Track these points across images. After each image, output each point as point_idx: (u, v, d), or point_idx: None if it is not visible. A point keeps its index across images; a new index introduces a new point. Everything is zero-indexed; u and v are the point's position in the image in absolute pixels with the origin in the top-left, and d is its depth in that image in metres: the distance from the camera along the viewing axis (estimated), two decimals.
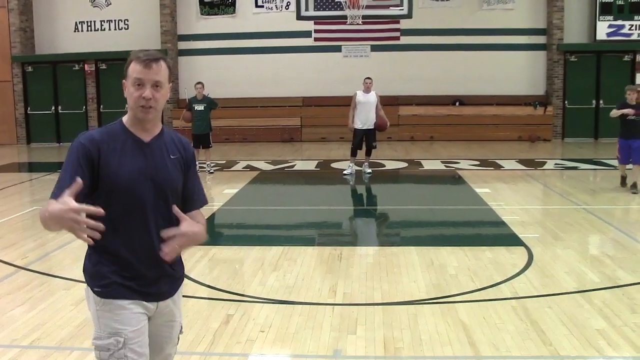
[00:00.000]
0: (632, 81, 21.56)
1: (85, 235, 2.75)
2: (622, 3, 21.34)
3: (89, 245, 3.04)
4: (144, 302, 3.19)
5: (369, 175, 14.82)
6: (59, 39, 23.29)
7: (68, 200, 2.70)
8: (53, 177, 15.52)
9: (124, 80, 3.21)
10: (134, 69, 3.15)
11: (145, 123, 3.21)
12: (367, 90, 14.70)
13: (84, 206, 2.73)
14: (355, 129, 14.74)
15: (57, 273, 7.55)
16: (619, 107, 12.70)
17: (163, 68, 3.20)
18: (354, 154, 14.99)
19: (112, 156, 3.11)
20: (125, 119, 3.25)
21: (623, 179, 12.84)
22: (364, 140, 14.80)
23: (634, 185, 12.34)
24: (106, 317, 3.13)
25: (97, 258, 3.15)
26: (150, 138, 3.23)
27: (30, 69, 23.17)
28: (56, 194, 2.87)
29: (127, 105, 3.25)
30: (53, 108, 23.16)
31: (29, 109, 23.24)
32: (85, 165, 3.05)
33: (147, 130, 3.23)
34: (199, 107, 15.16)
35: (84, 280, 3.22)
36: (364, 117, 14.63)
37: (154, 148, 3.22)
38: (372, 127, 14.70)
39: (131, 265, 3.14)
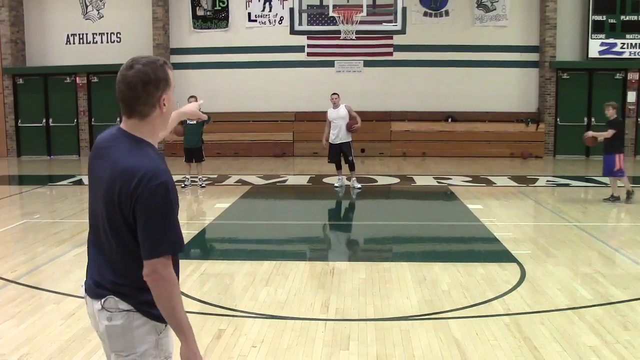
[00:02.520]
0: (624, 99, 21.73)
1: None
2: (614, 21, 21.49)
3: (133, 273, 2.90)
4: None
5: (358, 191, 14.81)
6: (51, 51, 23.25)
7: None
8: (43, 190, 15.50)
9: (164, 95, 2.97)
10: (173, 76, 3.03)
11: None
12: (334, 106, 14.81)
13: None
14: (329, 143, 14.89)
15: (46, 287, 7.49)
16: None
17: None
18: (337, 167, 15.18)
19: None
20: (147, 138, 3.00)
21: (628, 193, 13.10)
22: (340, 154, 14.89)
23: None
24: (165, 342, 3.06)
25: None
26: None
27: (21, 81, 23.11)
28: (176, 248, 2.91)
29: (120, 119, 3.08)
30: (44, 121, 23.08)
31: (19, 121, 23.15)
32: (177, 206, 2.95)
33: None
34: (192, 121, 15.09)
35: (115, 306, 2.96)
36: (336, 131, 14.77)
37: None
38: (347, 141, 14.80)
39: None
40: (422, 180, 16.69)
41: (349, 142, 14.85)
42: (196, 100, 15.17)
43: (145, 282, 2.87)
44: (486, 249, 9.93)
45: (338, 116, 14.73)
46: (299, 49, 22.36)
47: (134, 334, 2.95)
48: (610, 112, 13.22)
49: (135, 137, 2.95)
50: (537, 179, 16.97)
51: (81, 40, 23.16)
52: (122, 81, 2.92)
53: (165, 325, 3.01)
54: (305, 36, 21.52)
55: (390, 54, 22.40)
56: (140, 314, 2.95)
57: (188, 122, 15.05)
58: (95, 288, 2.99)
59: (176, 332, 2.91)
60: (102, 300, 2.94)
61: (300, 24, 16.01)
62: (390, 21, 16.39)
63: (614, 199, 13.23)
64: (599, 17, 21.53)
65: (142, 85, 2.90)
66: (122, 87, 2.92)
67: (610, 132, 12.91)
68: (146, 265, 2.82)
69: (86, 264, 3.11)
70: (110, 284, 2.94)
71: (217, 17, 22.78)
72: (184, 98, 16.16)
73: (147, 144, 2.96)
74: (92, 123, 22.80)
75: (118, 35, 23.02)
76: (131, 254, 2.89)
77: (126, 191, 2.80)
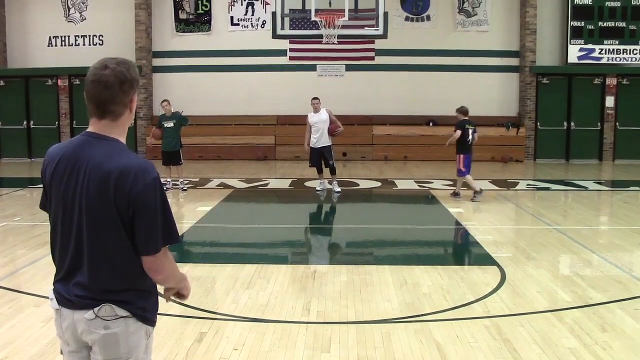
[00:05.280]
0: (602, 103, 21.97)
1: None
2: (593, 28, 21.71)
3: (130, 279, 2.95)
4: None
5: (337, 194, 14.84)
6: (32, 53, 23.14)
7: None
8: (23, 193, 15.40)
9: (135, 95, 3.05)
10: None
11: None
12: (315, 110, 14.87)
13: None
14: (310, 147, 14.92)
15: (27, 290, 7.44)
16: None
17: None
18: (318, 171, 15.22)
19: None
20: (119, 137, 3.01)
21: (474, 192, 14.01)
22: (321, 158, 14.93)
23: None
24: (150, 345, 3.13)
25: (146, 291, 3.05)
26: None
27: (2, 83, 22.98)
28: (176, 238, 3.03)
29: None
30: (25, 123, 22.96)
31: (0, 123, 22.99)
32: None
33: None
34: (169, 124, 15.04)
35: (112, 313, 2.95)
36: (317, 135, 14.80)
37: None
38: (327, 145, 14.85)
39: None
40: (403, 184, 16.76)
41: (329, 146, 14.89)
42: (169, 104, 15.20)
43: (144, 287, 2.95)
44: (467, 252, 10.00)
45: (319, 120, 14.76)
46: (282, 52, 22.42)
47: (130, 339, 2.96)
48: (459, 116, 14.14)
49: (110, 137, 2.95)
50: (518, 182, 17.09)
51: (63, 43, 23.06)
52: (97, 81, 2.89)
53: (153, 328, 3.08)
54: (288, 40, 21.59)
55: (372, 58, 22.50)
56: (135, 318, 2.96)
57: (165, 125, 15.01)
58: (79, 299, 2.94)
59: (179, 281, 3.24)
60: (96, 309, 2.90)
61: (282, 28, 16.02)
62: (372, 26, 16.43)
63: (455, 194, 14.40)
64: (577, 23, 21.75)
65: (119, 85, 2.90)
66: (98, 88, 2.89)
67: (458, 134, 13.85)
68: (148, 260, 2.89)
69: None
70: (104, 292, 2.90)
71: (200, 21, 22.77)
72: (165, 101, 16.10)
73: (122, 145, 2.97)
74: (74, 125, 22.69)
75: (100, 37, 22.94)
76: (129, 257, 2.90)
77: (123, 190, 2.80)
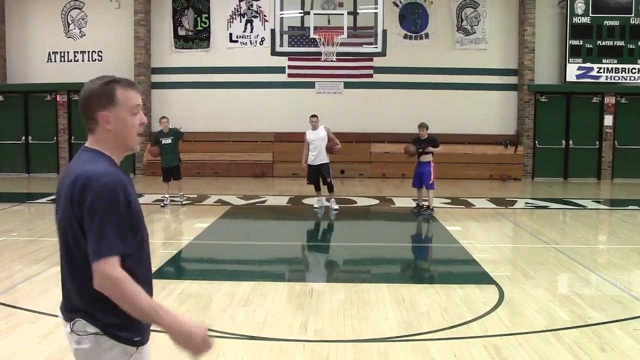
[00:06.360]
0: (601, 122, 22.01)
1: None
2: (591, 46, 21.78)
3: (100, 295, 2.76)
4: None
5: (335, 212, 14.82)
6: (32, 69, 23.17)
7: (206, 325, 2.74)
8: (21, 208, 15.37)
9: (104, 112, 2.91)
10: (128, 96, 2.96)
11: (130, 153, 3.06)
12: (313, 128, 14.90)
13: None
14: (308, 165, 14.93)
15: (23, 305, 7.40)
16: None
17: None
18: (316, 189, 15.21)
19: (132, 192, 2.91)
20: (104, 151, 2.95)
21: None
22: (319, 176, 14.93)
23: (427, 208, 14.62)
24: None
25: (117, 306, 2.79)
26: None
27: (1, 98, 22.97)
28: (120, 250, 2.75)
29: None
30: (23, 138, 22.94)
31: None
32: (125, 208, 2.82)
33: (119, 162, 3.04)
34: (167, 141, 15.16)
35: (83, 329, 2.87)
36: (315, 153, 14.81)
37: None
38: (325, 162, 14.87)
39: None
40: (401, 202, 16.73)
41: (327, 163, 14.90)
42: (168, 121, 15.28)
43: (107, 305, 2.77)
44: (465, 271, 9.96)
45: (317, 137, 14.78)
46: (280, 70, 22.47)
47: (102, 357, 2.85)
48: (423, 132, 14.96)
49: (92, 149, 2.94)
50: (516, 201, 17.08)
51: (62, 59, 23.10)
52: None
53: (137, 349, 2.92)
54: (286, 57, 21.63)
55: (371, 75, 22.54)
56: (107, 337, 2.86)
57: (163, 141, 15.09)
58: (65, 311, 2.94)
59: (151, 323, 2.81)
60: (71, 323, 2.87)
61: (281, 45, 16.06)
62: (370, 43, 16.50)
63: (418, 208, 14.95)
64: (576, 42, 21.82)
65: (85, 100, 2.97)
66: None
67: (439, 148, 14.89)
68: (94, 272, 2.70)
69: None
70: (78, 305, 2.87)
71: (199, 37, 22.83)
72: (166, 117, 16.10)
73: (102, 155, 2.92)
74: (72, 141, 22.65)
75: (100, 53, 22.98)
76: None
77: (77, 195, 2.76)
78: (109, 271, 2.67)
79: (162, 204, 14.98)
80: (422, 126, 14.96)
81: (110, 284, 2.69)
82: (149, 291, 2.94)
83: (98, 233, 2.70)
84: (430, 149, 14.73)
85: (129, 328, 2.88)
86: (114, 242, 2.72)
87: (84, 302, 2.86)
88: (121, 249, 2.74)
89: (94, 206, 2.72)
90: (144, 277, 2.93)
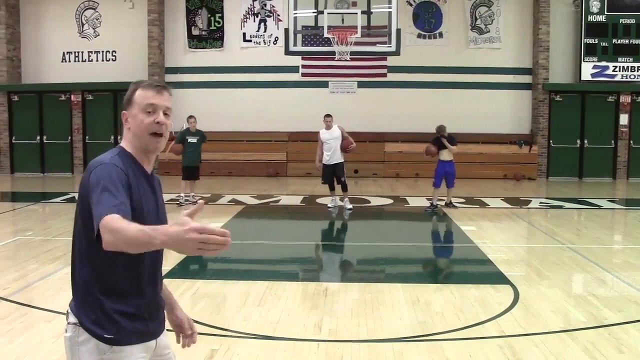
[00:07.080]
0: (616, 121, 21.87)
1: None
2: (606, 45, 21.65)
3: (82, 286, 2.85)
4: (148, 343, 3.01)
5: (349, 212, 14.81)
6: (46, 69, 23.29)
7: (187, 220, 2.44)
8: (36, 208, 15.45)
9: (124, 112, 3.00)
10: (144, 96, 2.97)
11: (151, 153, 3.03)
12: (327, 127, 14.88)
13: (207, 226, 2.46)
14: (323, 164, 14.94)
15: (38, 304, 7.43)
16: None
17: (171, 96, 3.04)
18: (330, 188, 15.22)
19: (136, 184, 2.88)
20: (126, 148, 3.00)
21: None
22: (333, 175, 14.94)
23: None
24: None
25: (98, 299, 2.85)
26: (151, 171, 3.06)
27: (16, 98, 23.10)
28: (120, 209, 2.63)
29: (120, 137, 3.11)
30: (38, 138, 23.06)
31: (13, 138, 23.13)
32: (125, 188, 2.79)
33: (149, 162, 3.05)
34: (193, 140, 15.31)
35: (68, 319, 2.95)
36: (330, 152, 14.82)
37: (155, 182, 3.08)
38: (340, 162, 14.87)
39: (139, 307, 2.93)
40: (415, 202, 16.69)
41: (341, 163, 14.88)
42: (195, 120, 15.34)
43: (87, 297, 2.86)
44: (479, 271, 9.92)
45: (332, 137, 14.77)
46: (294, 69, 22.45)
47: (77, 349, 2.90)
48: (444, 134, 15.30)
49: (118, 145, 3.04)
50: (530, 200, 17.00)
51: (77, 59, 23.21)
52: None
53: (111, 347, 2.86)
54: (300, 57, 21.61)
55: (384, 75, 22.49)
56: (82, 329, 2.87)
57: (189, 140, 15.21)
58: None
59: (152, 247, 2.53)
60: (66, 312, 2.99)
61: (294, 44, 16.05)
62: (384, 43, 16.47)
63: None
64: (591, 41, 21.70)
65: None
66: None
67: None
68: (101, 232, 2.59)
69: None
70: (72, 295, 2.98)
71: (212, 37, 22.88)
72: (177, 117, 16.13)
73: (122, 150, 2.99)
74: (87, 141, 22.77)
75: (114, 53, 23.07)
76: (82, 261, 2.88)
77: (85, 180, 2.84)
78: (112, 224, 2.53)
79: (179, 203, 14.94)
80: (441, 129, 15.52)
81: (116, 236, 2.52)
82: (154, 290, 3.04)
83: (97, 200, 2.67)
84: (446, 142, 15.14)
85: (102, 324, 2.85)
86: (111, 201, 2.65)
87: (73, 292, 2.97)
88: (120, 207, 2.64)
89: (94, 181, 2.76)
90: (144, 277, 2.97)
